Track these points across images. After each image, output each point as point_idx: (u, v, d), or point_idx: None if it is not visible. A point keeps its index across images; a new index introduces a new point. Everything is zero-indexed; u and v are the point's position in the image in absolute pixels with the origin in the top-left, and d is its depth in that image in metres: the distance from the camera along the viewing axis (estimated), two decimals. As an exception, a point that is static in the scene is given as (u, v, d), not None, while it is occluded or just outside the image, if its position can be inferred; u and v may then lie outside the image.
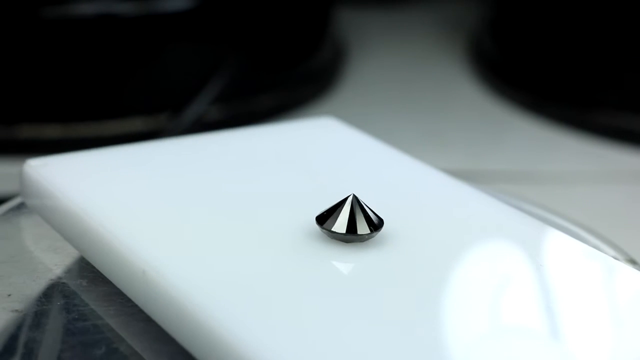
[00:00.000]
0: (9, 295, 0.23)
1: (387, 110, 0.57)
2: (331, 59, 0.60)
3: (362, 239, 0.22)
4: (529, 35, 0.59)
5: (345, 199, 0.22)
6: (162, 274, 0.21)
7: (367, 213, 0.22)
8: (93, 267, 0.23)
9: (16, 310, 0.23)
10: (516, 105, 0.57)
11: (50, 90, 0.49)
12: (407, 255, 0.22)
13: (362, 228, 0.22)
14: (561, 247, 0.23)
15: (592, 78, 0.55)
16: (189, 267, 0.21)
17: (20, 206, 0.28)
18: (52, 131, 0.49)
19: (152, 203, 0.24)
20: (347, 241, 0.22)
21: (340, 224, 0.22)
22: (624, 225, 0.44)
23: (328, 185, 0.26)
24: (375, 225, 0.22)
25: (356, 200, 0.22)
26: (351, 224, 0.22)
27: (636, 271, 0.22)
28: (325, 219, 0.22)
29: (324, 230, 0.22)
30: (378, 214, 0.23)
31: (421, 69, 0.63)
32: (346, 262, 0.21)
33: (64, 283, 0.24)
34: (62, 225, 0.24)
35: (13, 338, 0.22)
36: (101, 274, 0.23)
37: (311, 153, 0.28)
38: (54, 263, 0.25)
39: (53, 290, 0.24)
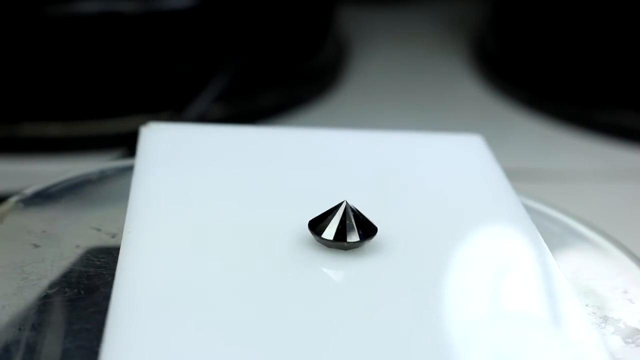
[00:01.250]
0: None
1: (388, 107, 0.57)
2: (333, 57, 0.60)
3: (352, 247, 0.22)
4: (531, 34, 0.59)
5: (338, 205, 0.22)
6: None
7: (360, 220, 0.22)
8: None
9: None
10: (518, 103, 0.57)
11: (52, 88, 0.49)
12: (398, 264, 0.21)
13: (353, 236, 0.21)
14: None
15: (594, 76, 0.55)
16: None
17: (22, 202, 0.28)
18: (54, 129, 0.49)
19: (206, 193, 0.24)
20: (336, 248, 0.22)
21: (330, 232, 0.21)
22: (626, 223, 0.44)
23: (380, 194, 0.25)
24: (367, 233, 0.22)
25: (349, 208, 0.21)
26: (341, 231, 0.21)
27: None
28: (317, 224, 0.22)
29: (315, 237, 0.22)
30: (372, 222, 0.22)
31: (423, 67, 0.63)
32: (333, 269, 0.21)
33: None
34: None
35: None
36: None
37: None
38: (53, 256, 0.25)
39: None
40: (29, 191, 0.27)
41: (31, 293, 0.22)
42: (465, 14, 0.70)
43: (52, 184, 0.28)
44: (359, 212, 0.22)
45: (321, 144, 0.28)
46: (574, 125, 0.54)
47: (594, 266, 0.25)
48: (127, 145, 0.48)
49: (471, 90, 0.59)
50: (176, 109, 0.49)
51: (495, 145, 0.55)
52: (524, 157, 0.50)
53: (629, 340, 0.22)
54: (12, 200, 0.26)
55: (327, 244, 0.22)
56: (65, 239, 0.24)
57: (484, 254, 0.23)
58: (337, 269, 0.22)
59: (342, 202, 0.22)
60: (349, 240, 0.22)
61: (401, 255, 0.22)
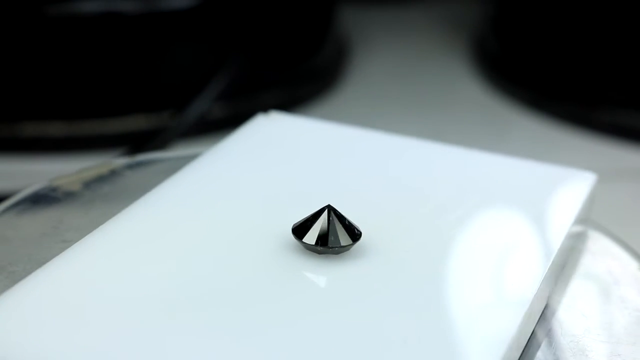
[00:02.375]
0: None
1: (389, 107, 0.57)
2: (334, 57, 0.60)
3: (335, 252, 0.21)
4: (532, 33, 0.59)
5: (322, 210, 0.21)
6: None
7: (345, 225, 0.21)
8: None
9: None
10: (519, 102, 0.57)
11: (54, 88, 0.49)
12: (384, 268, 0.21)
13: (335, 241, 0.21)
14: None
15: (595, 76, 0.55)
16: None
17: (22, 203, 0.28)
18: (55, 129, 0.49)
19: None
20: (320, 253, 0.21)
21: (311, 236, 0.21)
22: (627, 222, 0.44)
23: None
24: (352, 237, 0.21)
25: (333, 212, 0.21)
26: (324, 236, 0.21)
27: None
28: (301, 230, 0.21)
29: (299, 242, 0.21)
30: (357, 226, 0.21)
31: (424, 67, 0.63)
32: (317, 274, 0.21)
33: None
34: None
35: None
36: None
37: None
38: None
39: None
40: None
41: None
42: (466, 13, 0.70)
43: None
44: (343, 216, 0.22)
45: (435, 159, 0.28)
46: (574, 124, 0.54)
47: (593, 265, 0.25)
48: (131, 143, 0.48)
49: (472, 90, 0.59)
50: (177, 109, 0.49)
51: (495, 144, 0.55)
52: (525, 156, 0.50)
53: (624, 339, 0.22)
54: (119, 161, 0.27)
55: (310, 248, 0.22)
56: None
57: (475, 256, 0.22)
58: (318, 274, 0.21)
59: (326, 206, 0.22)
60: (331, 245, 0.22)
61: (385, 260, 0.22)
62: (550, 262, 0.22)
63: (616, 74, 0.54)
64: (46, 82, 0.49)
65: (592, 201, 0.26)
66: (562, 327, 0.22)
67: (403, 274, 0.22)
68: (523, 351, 0.21)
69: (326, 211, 0.22)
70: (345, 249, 0.22)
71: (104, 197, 0.27)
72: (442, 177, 0.26)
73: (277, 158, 0.27)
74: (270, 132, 0.28)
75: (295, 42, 0.56)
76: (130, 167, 0.28)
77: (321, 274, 0.21)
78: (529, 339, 0.21)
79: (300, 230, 0.22)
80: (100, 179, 0.28)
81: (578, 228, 0.25)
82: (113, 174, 0.28)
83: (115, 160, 0.29)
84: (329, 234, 0.22)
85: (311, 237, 0.22)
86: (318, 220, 0.22)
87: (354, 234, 0.22)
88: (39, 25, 0.48)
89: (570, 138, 0.53)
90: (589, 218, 0.27)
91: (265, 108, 0.53)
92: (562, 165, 0.29)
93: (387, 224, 0.23)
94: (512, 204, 0.25)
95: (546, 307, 0.22)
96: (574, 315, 0.22)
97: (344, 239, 0.22)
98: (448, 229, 0.24)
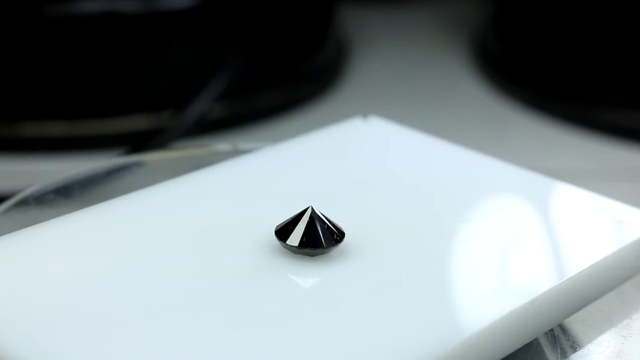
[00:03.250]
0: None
1: (389, 107, 0.57)
2: (334, 56, 0.60)
3: (315, 254, 0.21)
4: (532, 32, 0.59)
5: (304, 211, 0.21)
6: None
7: (326, 227, 0.21)
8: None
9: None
10: (519, 102, 0.57)
11: (54, 87, 0.49)
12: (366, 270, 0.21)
13: (317, 242, 0.21)
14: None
15: (595, 75, 0.55)
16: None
17: (23, 203, 0.28)
18: (55, 129, 0.49)
19: None
20: (303, 255, 0.21)
21: (295, 238, 0.21)
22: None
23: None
24: (334, 239, 0.21)
25: (315, 213, 0.21)
26: (307, 237, 0.21)
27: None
28: (283, 232, 0.21)
29: (281, 243, 0.21)
30: (339, 227, 0.21)
31: (424, 67, 0.63)
32: (300, 276, 0.21)
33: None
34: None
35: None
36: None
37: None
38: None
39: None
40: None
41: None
42: (466, 13, 0.70)
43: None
44: (326, 217, 0.22)
45: None
46: (575, 124, 0.54)
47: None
48: (132, 143, 0.48)
49: (472, 90, 0.59)
50: (177, 109, 0.49)
51: (495, 144, 0.55)
52: (525, 157, 0.50)
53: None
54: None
55: (293, 250, 0.22)
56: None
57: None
58: (301, 276, 0.21)
59: (308, 207, 0.22)
60: (314, 246, 0.22)
61: (368, 261, 0.22)
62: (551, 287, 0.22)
63: (616, 74, 0.54)
64: (46, 82, 0.49)
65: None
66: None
67: (385, 275, 0.22)
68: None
69: (308, 212, 0.22)
70: (326, 250, 0.22)
71: (101, 198, 0.27)
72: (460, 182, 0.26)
73: (349, 162, 0.26)
74: (356, 136, 0.28)
75: (295, 42, 0.56)
76: (128, 166, 0.28)
77: (302, 276, 0.21)
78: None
79: (282, 232, 0.22)
80: (97, 179, 0.28)
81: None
82: (110, 174, 0.28)
83: (115, 160, 0.29)
84: (310, 236, 0.22)
85: (293, 239, 0.22)
86: (300, 222, 0.22)
87: (336, 236, 0.22)
88: (38, 25, 0.48)
89: (570, 138, 0.53)
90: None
91: (265, 108, 0.54)
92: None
93: (374, 225, 0.23)
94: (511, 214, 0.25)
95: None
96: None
97: (326, 240, 0.22)
98: (442, 234, 0.24)
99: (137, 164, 0.29)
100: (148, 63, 0.50)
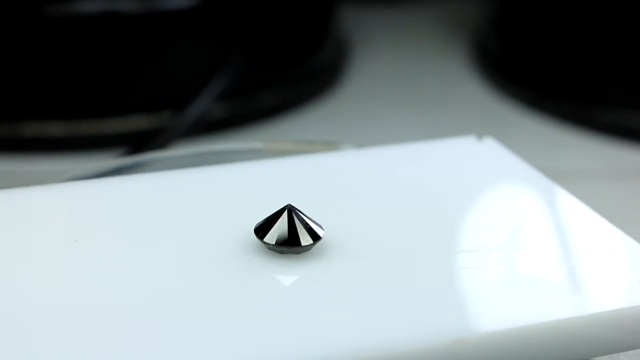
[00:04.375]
0: None
1: (390, 107, 0.57)
2: (334, 56, 0.60)
3: (291, 252, 0.21)
4: (532, 32, 0.59)
5: (282, 209, 0.21)
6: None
7: (305, 224, 0.21)
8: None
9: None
10: (519, 101, 0.57)
11: (54, 87, 0.49)
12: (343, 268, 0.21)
13: (295, 240, 0.21)
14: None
15: (595, 75, 0.55)
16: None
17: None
18: (55, 129, 0.49)
19: None
20: (282, 253, 0.21)
21: (273, 236, 0.21)
22: (627, 223, 0.44)
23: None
24: (313, 237, 0.21)
25: (293, 211, 0.21)
26: (287, 235, 0.21)
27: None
28: (262, 229, 0.21)
29: (260, 241, 0.21)
30: (319, 224, 0.22)
31: (424, 67, 0.63)
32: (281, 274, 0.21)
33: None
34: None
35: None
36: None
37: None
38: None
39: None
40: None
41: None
42: (466, 12, 0.70)
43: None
44: (304, 215, 0.22)
45: None
46: (575, 124, 0.54)
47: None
48: (132, 142, 0.48)
49: (472, 89, 0.59)
50: (177, 109, 0.49)
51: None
52: (525, 157, 0.50)
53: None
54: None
55: (271, 248, 0.22)
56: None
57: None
58: (281, 274, 0.21)
59: (286, 205, 0.22)
60: (294, 244, 0.22)
61: (348, 259, 0.22)
62: None
63: (616, 73, 0.54)
64: (46, 82, 0.49)
65: None
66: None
67: (364, 273, 0.22)
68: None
69: (286, 211, 0.22)
70: (305, 248, 0.22)
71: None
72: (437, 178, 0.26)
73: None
74: (463, 154, 0.27)
75: (295, 42, 0.56)
76: (129, 167, 0.28)
77: (281, 274, 0.21)
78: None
79: (261, 229, 0.22)
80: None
81: None
82: (112, 173, 0.28)
83: (114, 160, 0.29)
84: (289, 234, 0.22)
85: (271, 237, 0.22)
86: (279, 220, 0.22)
87: (315, 234, 0.22)
88: (38, 25, 0.48)
89: (570, 137, 0.53)
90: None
91: (265, 108, 0.54)
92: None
93: (353, 224, 0.23)
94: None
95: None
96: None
97: (304, 238, 0.22)
98: (423, 228, 0.24)
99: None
100: (148, 63, 0.50)
